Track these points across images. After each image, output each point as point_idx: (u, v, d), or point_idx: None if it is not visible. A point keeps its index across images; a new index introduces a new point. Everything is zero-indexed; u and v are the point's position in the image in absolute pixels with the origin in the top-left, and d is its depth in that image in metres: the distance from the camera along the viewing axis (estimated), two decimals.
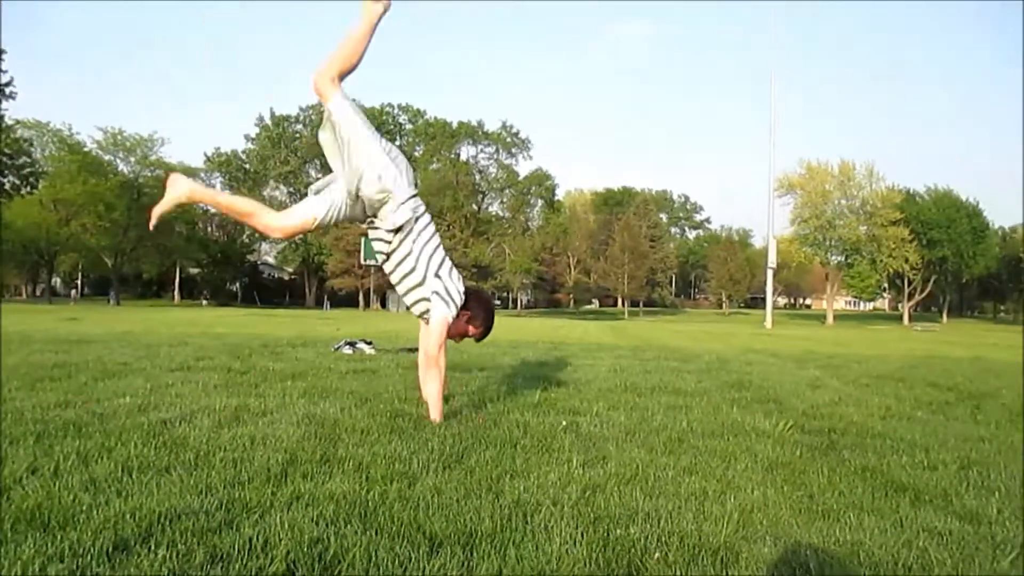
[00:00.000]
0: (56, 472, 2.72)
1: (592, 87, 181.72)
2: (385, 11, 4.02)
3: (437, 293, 4.12)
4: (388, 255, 4.15)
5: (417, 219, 4.10)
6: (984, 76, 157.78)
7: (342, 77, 3.99)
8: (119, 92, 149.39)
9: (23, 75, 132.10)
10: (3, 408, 4.03)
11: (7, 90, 42.80)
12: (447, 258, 4.25)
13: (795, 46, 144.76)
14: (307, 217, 4.04)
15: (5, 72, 42.40)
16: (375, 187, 3.94)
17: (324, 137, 4.08)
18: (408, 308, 4.30)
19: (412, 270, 4.11)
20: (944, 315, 77.44)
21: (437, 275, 4.15)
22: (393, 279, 4.22)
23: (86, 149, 58.67)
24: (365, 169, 3.92)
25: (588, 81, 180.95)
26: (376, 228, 4.12)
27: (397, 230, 4.05)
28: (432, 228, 4.21)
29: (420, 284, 4.13)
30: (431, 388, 4.13)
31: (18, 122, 50.23)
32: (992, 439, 4.25)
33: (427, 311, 4.17)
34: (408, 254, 4.10)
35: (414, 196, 4.10)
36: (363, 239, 57.66)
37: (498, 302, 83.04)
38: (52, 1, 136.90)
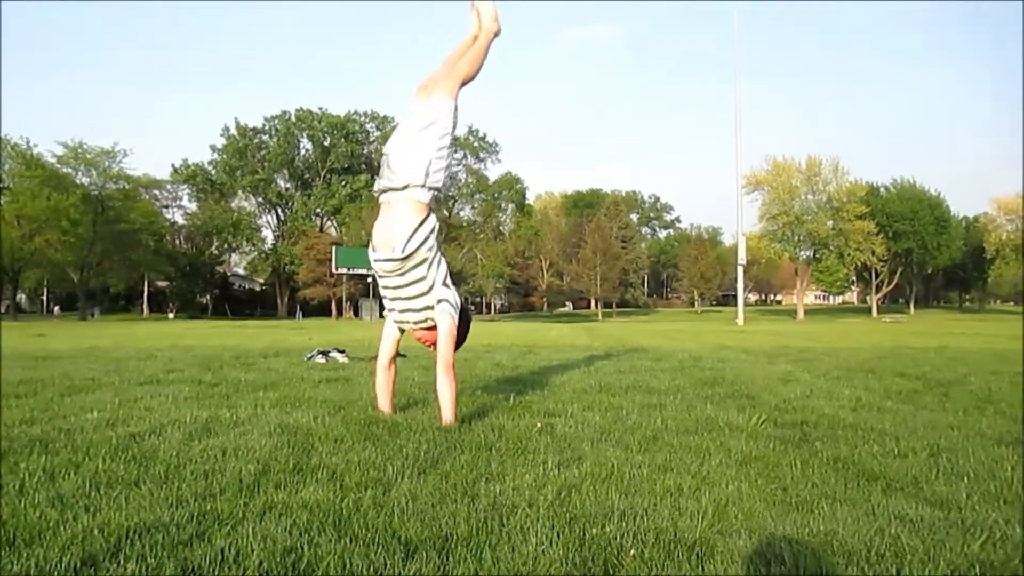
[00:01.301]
0: (22, 489, 2.68)
1: (558, 89, 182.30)
2: (498, 34, 4.72)
3: (447, 302, 4.32)
4: (399, 264, 4.26)
5: (432, 232, 4.30)
6: (945, 70, 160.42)
7: (464, 84, 4.55)
8: (77, 103, 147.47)
9: None
10: None
11: None
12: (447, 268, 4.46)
13: (759, 44, 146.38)
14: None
15: None
16: (413, 174, 4.25)
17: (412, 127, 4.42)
18: (399, 312, 4.42)
19: (422, 278, 4.28)
20: (911, 306, 78.55)
21: (445, 284, 4.34)
22: (397, 283, 4.33)
23: (46, 163, 57.57)
24: (422, 154, 4.28)
25: (553, 83, 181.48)
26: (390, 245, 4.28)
27: (414, 239, 4.22)
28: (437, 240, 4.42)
29: (426, 293, 4.30)
30: (450, 391, 4.26)
31: None
32: (960, 426, 4.31)
33: (425, 320, 4.36)
34: (423, 261, 4.26)
35: (433, 228, 4.32)
36: (334, 248, 57.43)
37: (472, 307, 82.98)
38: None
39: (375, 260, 4.35)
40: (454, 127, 4.46)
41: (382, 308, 4.66)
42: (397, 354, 4.63)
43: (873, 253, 66.16)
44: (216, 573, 1.94)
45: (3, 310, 65.88)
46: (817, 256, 71.14)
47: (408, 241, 4.18)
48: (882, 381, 6.75)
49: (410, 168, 4.25)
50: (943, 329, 25.73)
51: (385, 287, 4.40)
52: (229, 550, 2.08)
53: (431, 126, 4.34)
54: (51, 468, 2.99)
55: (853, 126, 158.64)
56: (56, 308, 62.76)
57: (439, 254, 4.35)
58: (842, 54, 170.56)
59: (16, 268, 59.50)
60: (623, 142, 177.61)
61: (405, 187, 4.26)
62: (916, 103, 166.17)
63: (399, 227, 4.22)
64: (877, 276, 72.78)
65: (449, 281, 4.39)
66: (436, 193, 4.34)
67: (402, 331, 4.55)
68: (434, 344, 4.41)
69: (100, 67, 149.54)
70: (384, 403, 4.56)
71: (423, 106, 4.41)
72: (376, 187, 4.45)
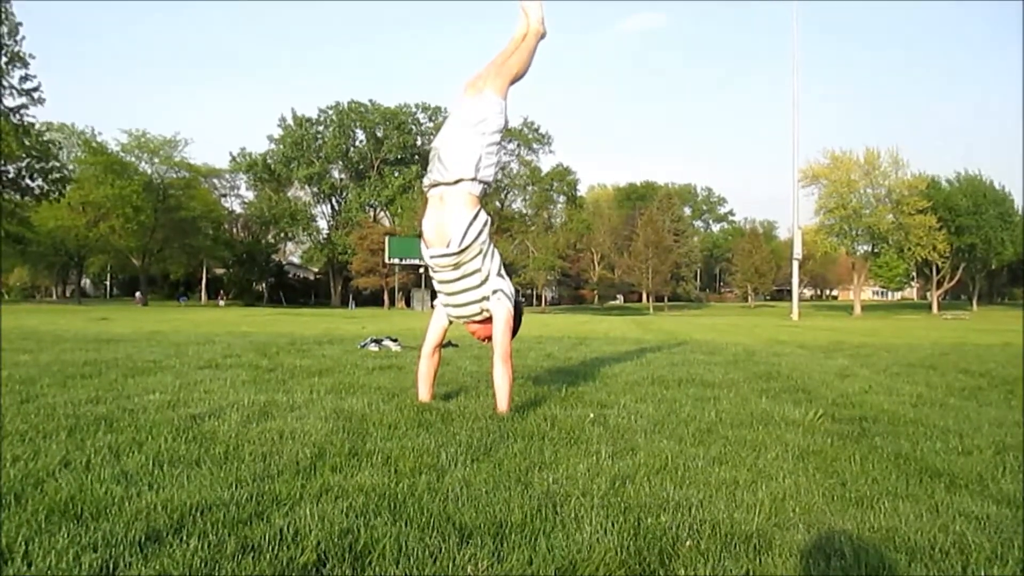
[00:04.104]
0: (88, 465, 2.75)
1: (613, 80, 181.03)
2: (543, 36, 4.73)
3: (503, 291, 4.33)
4: (455, 258, 4.26)
5: (485, 225, 4.33)
6: (1008, 61, 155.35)
7: (513, 82, 4.59)
8: (140, 94, 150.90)
9: (47, 77, 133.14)
10: (36, 404, 4.09)
11: (35, 95, 43.19)
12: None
13: (817, 34, 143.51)
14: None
15: (33, 77, 42.83)
16: (465, 168, 4.26)
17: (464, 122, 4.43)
18: (454, 307, 4.43)
19: (477, 270, 4.29)
20: (974, 303, 76.29)
21: (499, 275, 4.36)
22: (452, 276, 4.34)
23: (111, 151, 59.02)
24: (472, 148, 4.30)
25: (609, 74, 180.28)
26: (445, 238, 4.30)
27: (470, 232, 4.24)
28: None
29: (481, 284, 4.31)
30: (506, 381, 4.26)
31: (48, 127, 50.74)
32: None
33: (478, 312, 4.37)
34: (479, 253, 4.28)
35: (486, 221, 4.33)
36: (387, 238, 57.95)
37: (522, 299, 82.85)
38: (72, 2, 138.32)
39: (430, 256, 4.34)
40: (505, 124, 4.49)
41: (434, 298, 4.68)
42: (444, 344, 4.64)
43: (934, 248, 64.41)
44: (275, 551, 1.97)
45: (68, 294, 67.91)
46: (875, 251, 69.57)
47: (464, 235, 4.19)
48: (944, 377, 6.58)
49: (462, 162, 4.27)
50: (1007, 327, 24.98)
51: (440, 281, 4.39)
52: (288, 529, 2.11)
53: (482, 122, 4.36)
54: (116, 446, 3.07)
55: (915, 119, 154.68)
56: (137, 294, 64.20)
57: (492, 245, 4.37)
58: (904, 46, 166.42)
59: (81, 254, 61.37)
60: (677, 134, 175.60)
61: (457, 181, 4.26)
62: (980, 96, 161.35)
63: (453, 221, 4.22)
64: (938, 272, 70.88)
65: (503, 271, 4.39)
66: (486, 187, 4.37)
67: (451, 322, 4.57)
68: (486, 337, 4.44)
69: (162, 58, 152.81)
70: (424, 391, 4.56)
71: (473, 103, 4.42)
72: (426, 181, 4.45)
